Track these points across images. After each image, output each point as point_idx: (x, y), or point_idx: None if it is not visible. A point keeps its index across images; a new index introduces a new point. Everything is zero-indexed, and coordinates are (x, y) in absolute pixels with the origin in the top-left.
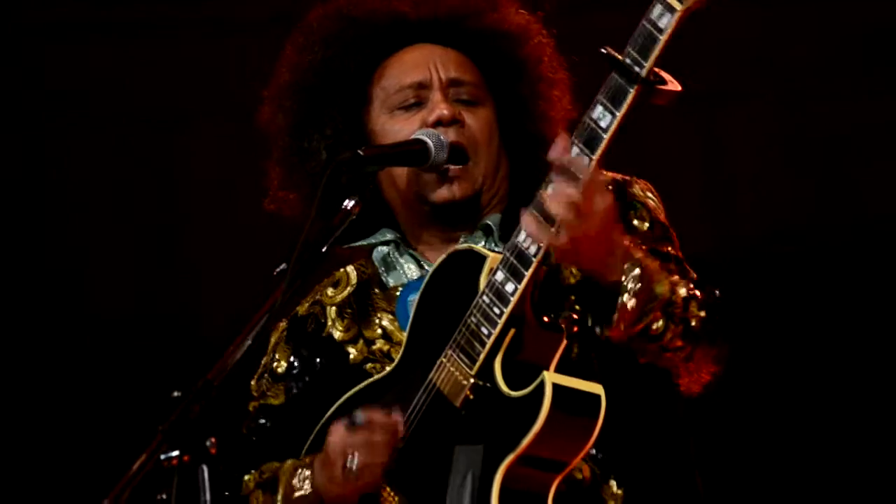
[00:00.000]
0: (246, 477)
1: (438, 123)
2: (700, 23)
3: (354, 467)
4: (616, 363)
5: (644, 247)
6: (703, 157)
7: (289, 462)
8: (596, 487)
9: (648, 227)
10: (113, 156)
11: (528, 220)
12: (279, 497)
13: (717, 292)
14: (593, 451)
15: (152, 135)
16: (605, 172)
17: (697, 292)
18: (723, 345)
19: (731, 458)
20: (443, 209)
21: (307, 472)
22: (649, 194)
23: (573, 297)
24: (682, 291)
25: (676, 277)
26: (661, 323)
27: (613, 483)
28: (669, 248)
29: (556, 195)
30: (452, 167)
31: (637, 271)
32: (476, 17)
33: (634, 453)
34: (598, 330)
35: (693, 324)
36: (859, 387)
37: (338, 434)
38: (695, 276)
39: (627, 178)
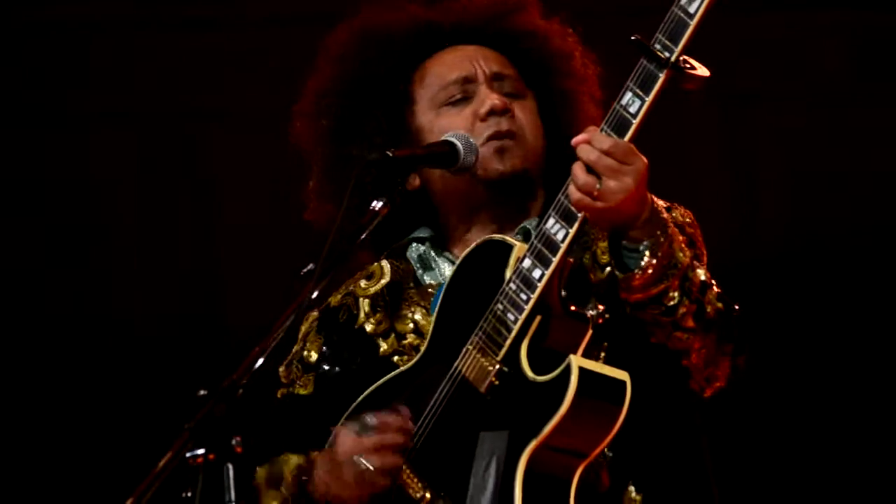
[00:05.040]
0: (258, 468)
1: (492, 114)
2: (730, 24)
3: (370, 469)
4: (635, 369)
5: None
6: (729, 160)
7: (294, 460)
8: (615, 493)
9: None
10: (135, 153)
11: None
12: (281, 491)
13: (737, 307)
14: (610, 454)
15: (177, 133)
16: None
17: (714, 283)
18: (737, 350)
19: (748, 464)
20: (495, 186)
21: (306, 476)
22: (688, 220)
23: (596, 302)
24: (701, 274)
25: (698, 262)
26: (676, 294)
27: (632, 488)
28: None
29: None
30: (498, 143)
31: (662, 232)
32: (505, 18)
33: (652, 459)
34: (618, 276)
35: (708, 310)
36: (886, 391)
37: (348, 439)
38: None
39: (668, 203)
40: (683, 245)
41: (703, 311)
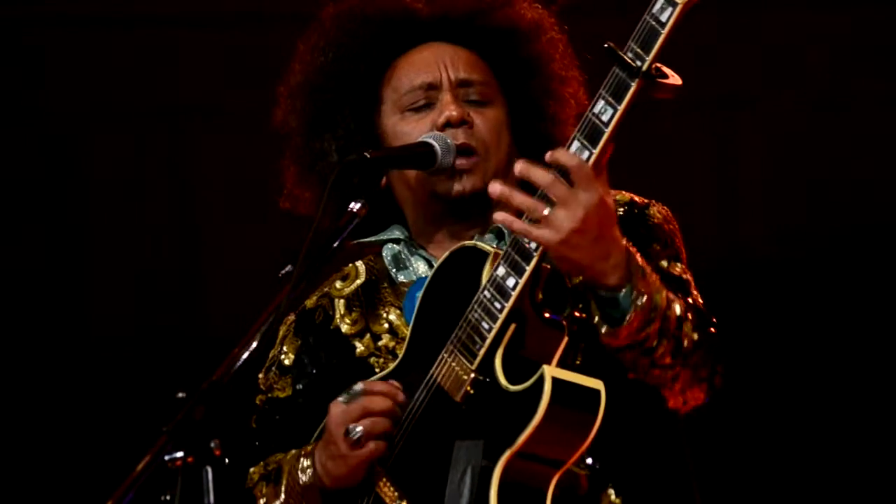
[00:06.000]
0: (251, 469)
1: (447, 125)
2: (716, 25)
3: (357, 436)
4: (614, 373)
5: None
6: (716, 161)
7: (292, 452)
8: (594, 495)
9: (661, 248)
10: (120, 153)
11: (499, 215)
12: (282, 487)
13: (714, 319)
14: (589, 461)
15: (159, 133)
16: (623, 193)
17: (690, 315)
18: (713, 373)
19: (729, 467)
20: (453, 204)
21: (307, 462)
22: (667, 217)
23: (580, 305)
24: (677, 309)
25: (673, 294)
26: (655, 336)
27: (612, 491)
28: (678, 269)
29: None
30: (461, 161)
31: (643, 281)
32: (487, 14)
33: (632, 463)
34: (601, 329)
35: (684, 343)
36: (870, 395)
37: (337, 407)
38: (700, 300)
39: (646, 200)
40: (659, 284)
41: (680, 345)
